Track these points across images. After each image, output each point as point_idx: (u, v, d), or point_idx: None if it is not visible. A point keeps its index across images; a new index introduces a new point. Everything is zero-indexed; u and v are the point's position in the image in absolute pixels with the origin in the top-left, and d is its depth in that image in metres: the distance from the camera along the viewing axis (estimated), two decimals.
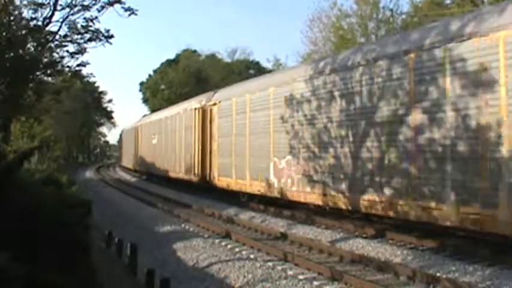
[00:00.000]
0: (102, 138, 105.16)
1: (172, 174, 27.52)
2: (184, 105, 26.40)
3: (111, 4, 17.90)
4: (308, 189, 13.98)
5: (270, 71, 40.75)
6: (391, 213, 10.96)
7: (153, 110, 53.79)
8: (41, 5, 17.97)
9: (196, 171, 22.73)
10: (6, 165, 8.26)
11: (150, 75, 69.51)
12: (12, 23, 18.57)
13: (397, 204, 10.67)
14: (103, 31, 18.63)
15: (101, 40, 18.72)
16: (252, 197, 17.89)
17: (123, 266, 9.13)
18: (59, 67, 20.39)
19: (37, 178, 14.68)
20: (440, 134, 9.73)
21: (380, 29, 29.17)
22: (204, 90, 35.55)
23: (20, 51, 18.89)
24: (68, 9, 18.15)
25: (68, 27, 18.61)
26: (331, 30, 30.72)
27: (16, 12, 18.73)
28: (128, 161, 47.63)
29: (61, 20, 18.39)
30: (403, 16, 28.84)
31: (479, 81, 8.97)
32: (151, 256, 10.57)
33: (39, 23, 18.47)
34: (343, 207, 12.62)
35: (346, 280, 8.04)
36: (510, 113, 8.43)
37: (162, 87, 65.48)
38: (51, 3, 17.94)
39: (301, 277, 8.43)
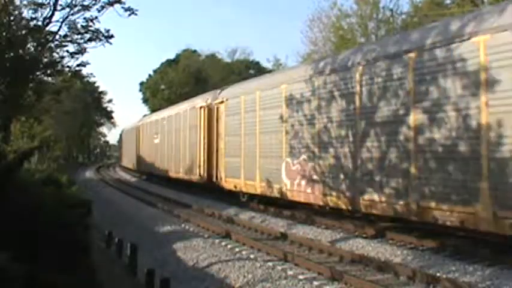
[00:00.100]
0: (102, 138, 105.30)
1: (175, 175, 26.99)
2: (188, 104, 25.76)
3: (111, 4, 17.89)
4: (327, 191, 13.13)
5: (270, 71, 40.74)
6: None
7: (153, 110, 53.80)
8: (41, 5, 17.97)
9: (201, 172, 22.06)
10: (6, 165, 8.27)
11: (150, 75, 69.57)
12: (12, 23, 18.57)
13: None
14: (103, 31, 18.63)
15: (101, 40, 18.72)
16: (260, 198, 17.15)
17: (123, 266, 9.12)
18: (59, 67, 20.39)
19: (37, 178, 14.68)
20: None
21: (380, 29, 29.18)
22: (204, 90, 35.49)
23: (20, 51, 18.88)
24: (68, 9, 18.14)
25: (68, 27, 18.61)
26: (331, 30, 30.74)
27: (16, 12, 18.73)
28: (128, 161, 47.20)
29: (61, 20, 18.39)
30: (403, 16, 28.87)
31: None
32: (151, 256, 10.57)
33: (39, 23, 18.47)
34: (377, 212, 11.41)
35: (346, 280, 8.04)
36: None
37: (162, 87, 65.49)
38: (51, 3, 17.94)
39: (301, 277, 8.43)
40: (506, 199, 8.37)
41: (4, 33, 18.26)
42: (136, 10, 18.15)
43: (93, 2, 17.92)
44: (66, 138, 63.67)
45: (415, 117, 10.33)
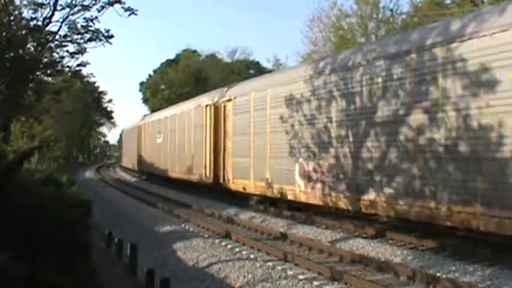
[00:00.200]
0: (102, 138, 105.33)
1: (178, 175, 26.30)
2: (193, 103, 25.03)
3: (111, 4, 17.91)
4: (346, 193, 12.44)
5: (269, 71, 40.72)
6: None
7: (153, 110, 53.80)
8: (41, 5, 17.98)
9: (207, 172, 21.25)
10: (6, 165, 8.27)
11: (150, 75, 69.58)
12: (12, 23, 18.58)
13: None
14: (103, 31, 18.65)
15: (101, 40, 18.74)
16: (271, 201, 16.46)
17: (123, 266, 9.12)
18: (59, 67, 20.41)
19: (37, 178, 14.68)
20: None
21: (380, 29, 29.18)
22: (204, 90, 35.45)
23: (20, 51, 18.90)
24: (68, 9, 18.16)
25: (68, 27, 18.62)
26: (331, 30, 30.73)
27: (16, 12, 18.74)
28: (128, 161, 46.74)
29: (61, 20, 18.41)
30: (403, 16, 28.88)
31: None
32: (151, 256, 10.57)
33: (39, 23, 18.48)
34: (411, 218, 10.64)
35: (346, 280, 8.04)
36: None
37: (162, 87, 65.50)
38: (51, 3, 17.96)
39: (301, 277, 8.43)
40: None
41: (4, 33, 18.27)
42: (136, 10, 18.18)
43: (93, 2, 17.95)
44: (66, 138, 63.70)
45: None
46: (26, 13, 18.78)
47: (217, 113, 20.63)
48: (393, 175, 10.89)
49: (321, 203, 13.63)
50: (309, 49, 32.28)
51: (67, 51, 19.45)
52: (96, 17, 18.25)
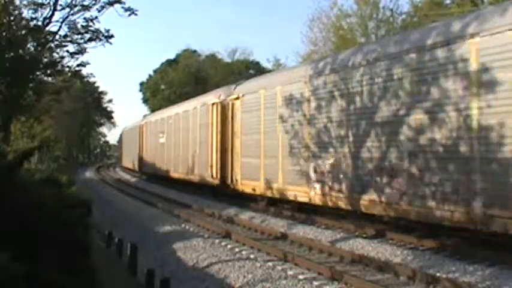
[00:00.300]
0: (102, 138, 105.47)
1: (182, 176, 25.60)
2: (198, 101, 24.16)
3: (111, 4, 17.94)
4: (372, 196, 11.59)
5: (269, 71, 40.71)
6: None
7: (153, 110, 53.79)
8: (41, 5, 18.01)
9: (213, 173, 20.41)
10: (6, 165, 8.26)
11: (150, 75, 69.58)
12: (12, 23, 18.60)
13: None
14: (103, 31, 18.68)
15: (101, 40, 18.78)
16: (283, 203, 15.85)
17: (123, 266, 9.12)
18: (59, 67, 20.45)
19: (37, 178, 14.67)
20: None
21: (380, 29, 29.18)
22: (205, 90, 35.39)
23: (20, 51, 18.92)
24: (68, 9, 18.20)
25: (68, 27, 18.67)
26: (331, 30, 30.73)
27: (16, 12, 18.77)
28: (129, 161, 46.24)
29: (61, 20, 18.45)
30: (403, 16, 28.87)
31: None
32: (151, 256, 10.57)
33: (39, 23, 18.52)
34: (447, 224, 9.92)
35: (346, 280, 8.04)
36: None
37: (162, 87, 65.48)
38: (51, 3, 17.99)
39: (301, 277, 8.43)
40: None
41: (4, 33, 18.29)
42: (136, 10, 18.22)
43: (93, 2, 17.99)
44: (66, 138, 63.67)
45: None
46: (26, 13, 18.84)
47: (224, 112, 19.89)
48: (422, 178, 10.22)
49: (343, 207, 12.74)
50: (309, 49, 32.31)
51: (67, 51, 19.50)
52: (96, 17, 18.31)
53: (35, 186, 9.72)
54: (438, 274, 8.20)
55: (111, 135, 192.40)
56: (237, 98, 18.73)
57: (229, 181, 19.13)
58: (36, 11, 18.26)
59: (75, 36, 18.77)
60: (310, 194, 13.85)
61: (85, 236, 8.35)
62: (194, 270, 9.50)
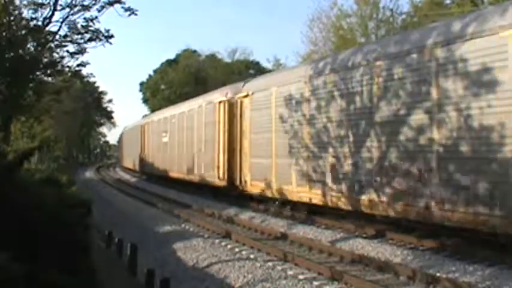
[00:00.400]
0: (102, 138, 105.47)
1: (185, 177, 24.78)
2: (204, 99, 23.29)
3: (111, 4, 17.97)
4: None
5: (269, 71, 40.70)
6: None
7: (153, 110, 53.79)
8: (41, 5, 18.04)
9: (220, 174, 19.58)
10: (6, 165, 8.27)
11: (150, 75, 69.63)
12: (12, 23, 18.62)
13: None
14: (103, 31, 18.71)
15: (101, 40, 18.81)
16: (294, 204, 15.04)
17: (123, 266, 9.13)
18: (59, 67, 20.48)
19: (37, 178, 14.67)
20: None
21: (380, 29, 29.19)
22: (205, 90, 35.37)
23: (20, 51, 18.94)
24: (68, 9, 18.24)
25: (68, 27, 18.70)
26: (331, 30, 30.74)
27: (16, 12, 18.79)
28: (130, 161, 45.73)
29: (61, 20, 18.49)
30: (403, 16, 28.89)
31: None
32: (151, 256, 10.57)
33: (39, 23, 18.55)
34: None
35: (346, 280, 8.04)
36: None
37: (162, 87, 65.52)
38: (51, 3, 18.02)
39: (301, 277, 8.43)
40: None
41: (4, 33, 18.31)
42: (136, 10, 18.26)
43: (93, 2, 18.02)
44: (66, 138, 63.69)
45: None
46: (26, 13, 18.87)
47: (232, 110, 19.10)
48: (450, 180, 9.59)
49: (368, 211, 11.79)
50: (309, 49, 32.32)
51: (67, 51, 19.53)
52: (96, 17, 18.35)
53: (35, 186, 9.73)
54: (438, 274, 8.20)
55: (111, 135, 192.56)
56: (246, 96, 17.92)
57: (238, 182, 18.40)
58: (36, 11, 18.29)
59: (75, 36, 18.81)
60: (327, 196, 13.05)
61: (85, 236, 8.36)
62: (194, 270, 9.51)
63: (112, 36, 18.93)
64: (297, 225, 13.50)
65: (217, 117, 20.17)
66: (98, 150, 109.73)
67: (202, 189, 22.61)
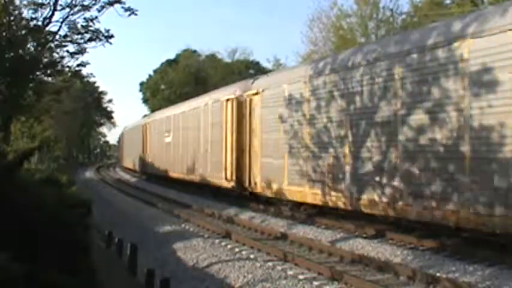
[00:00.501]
0: (102, 138, 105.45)
1: (191, 177, 24.01)
2: (210, 97, 22.45)
3: (111, 4, 17.99)
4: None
5: (269, 71, 40.68)
6: None
7: (153, 110, 53.76)
8: (41, 5, 18.06)
9: (227, 175, 18.80)
10: (6, 165, 8.27)
11: (150, 75, 69.64)
12: (12, 23, 18.64)
13: None
14: (103, 31, 18.73)
15: (101, 40, 18.83)
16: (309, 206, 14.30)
17: (123, 266, 9.13)
18: (59, 67, 20.50)
19: (37, 178, 14.67)
20: None
21: (380, 29, 29.20)
22: (205, 90, 35.34)
23: (20, 51, 18.96)
24: (68, 9, 18.27)
25: (68, 27, 18.73)
26: (331, 30, 30.75)
27: (16, 12, 18.80)
28: (130, 161, 45.35)
29: (61, 20, 18.52)
30: (403, 16, 28.90)
31: None
32: (151, 256, 10.57)
33: (39, 23, 18.57)
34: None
35: (346, 280, 8.04)
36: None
37: (162, 87, 65.53)
38: (51, 3, 18.04)
39: (301, 277, 8.43)
40: None
41: (4, 33, 18.32)
42: (136, 10, 18.29)
43: (93, 2, 18.05)
44: (66, 138, 63.69)
45: None
46: (26, 13, 18.90)
47: (241, 108, 18.28)
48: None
49: (392, 214, 11.10)
50: (309, 49, 32.33)
51: (67, 51, 19.56)
52: (96, 17, 18.38)
53: (35, 186, 9.73)
54: (438, 274, 8.20)
55: (111, 135, 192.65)
56: (256, 94, 17.09)
57: (247, 184, 17.53)
58: (36, 11, 18.31)
59: (75, 36, 18.83)
60: (347, 199, 12.29)
61: (85, 236, 8.36)
62: (194, 270, 9.51)
63: (112, 36, 18.96)
64: (297, 225, 13.50)
65: (225, 116, 19.42)
66: (98, 150, 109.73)
67: (203, 189, 22.55)
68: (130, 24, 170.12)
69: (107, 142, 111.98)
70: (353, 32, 29.95)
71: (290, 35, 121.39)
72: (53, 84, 25.18)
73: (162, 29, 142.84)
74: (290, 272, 8.76)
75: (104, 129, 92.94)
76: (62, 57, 20.01)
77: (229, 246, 11.19)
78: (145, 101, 69.57)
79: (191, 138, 24.18)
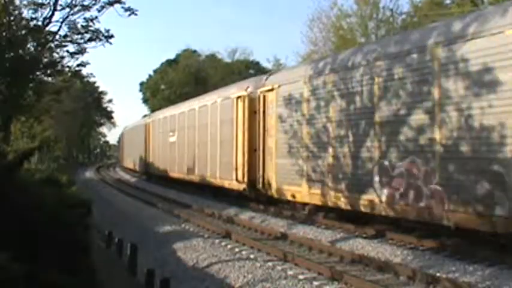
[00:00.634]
0: (102, 138, 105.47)
1: (195, 178, 23.21)
2: (218, 95, 21.45)
3: (111, 4, 18.00)
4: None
5: (269, 71, 40.63)
6: None
7: (153, 110, 53.72)
8: (41, 5, 18.07)
9: (239, 176, 17.89)
10: (6, 165, 8.26)
11: (150, 75, 69.65)
12: (12, 23, 18.64)
13: None
14: (103, 31, 18.74)
15: (100, 40, 18.85)
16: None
17: (123, 266, 9.12)
18: (59, 67, 20.52)
19: (37, 178, 14.67)
20: None
21: (380, 29, 29.20)
22: (205, 90, 35.31)
23: (20, 51, 18.96)
24: (68, 9, 18.28)
25: (68, 27, 18.74)
26: (331, 30, 30.75)
27: (16, 12, 18.81)
28: (130, 161, 44.88)
29: (61, 20, 18.53)
30: (403, 16, 28.89)
31: None
32: (151, 256, 10.57)
33: (39, 23, 18.59)
34: None
35: (346, 280, 8.04)
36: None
37: (162, 87, 65.54)
38: (51, 3, 18.06)
39: (301, 277, 8.43)
40: None
41: (4, 33, 18.33)
42: (136, 10, 18.30)
43: (93, 2, 18.06)
44: (66, 138, 63.70)
45: None
46: (26, 13, 18.91)
47: (253, 106, 17.25)
48: None
49: (426, 219, 10.32)
50: (309, 49, 32.34)
51: (67, 51, 19.58)
52: (96, 17, 18.39)
53: (35, 186, 9.72)
54: (438, 274, 8.20)
55: (111, 135, 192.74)
56: (271, 90, 16.01)
57: (261, 185, 16.58)
58: (36, 11, 18.33)
59: (75, 36, 18.85)
60: (375, 202, 11.52)
61: (85, 236, 8.36)
62: (194, 270, 9.51)
63: (112, 36, 18.98)
64: (297, 225, 13.49)
65: (235, 114, 18.39)
66: (98, 150, 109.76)
67: (203, 189, 22.51)
68: (130, 24, 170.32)
69: (107, 142, 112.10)
70: (353, 32, 29.95)
71: (290, 35, 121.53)
72: (53, 84, 25.19)
73: (162, 29, 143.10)
74: (290, 272, 8.76)
75: (104, 129, 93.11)
76: (62, 57, 20.05)
77: (229, 246, 11.19)
78: (145, 101, 69.59)
79: (199, 138, 23.09)
